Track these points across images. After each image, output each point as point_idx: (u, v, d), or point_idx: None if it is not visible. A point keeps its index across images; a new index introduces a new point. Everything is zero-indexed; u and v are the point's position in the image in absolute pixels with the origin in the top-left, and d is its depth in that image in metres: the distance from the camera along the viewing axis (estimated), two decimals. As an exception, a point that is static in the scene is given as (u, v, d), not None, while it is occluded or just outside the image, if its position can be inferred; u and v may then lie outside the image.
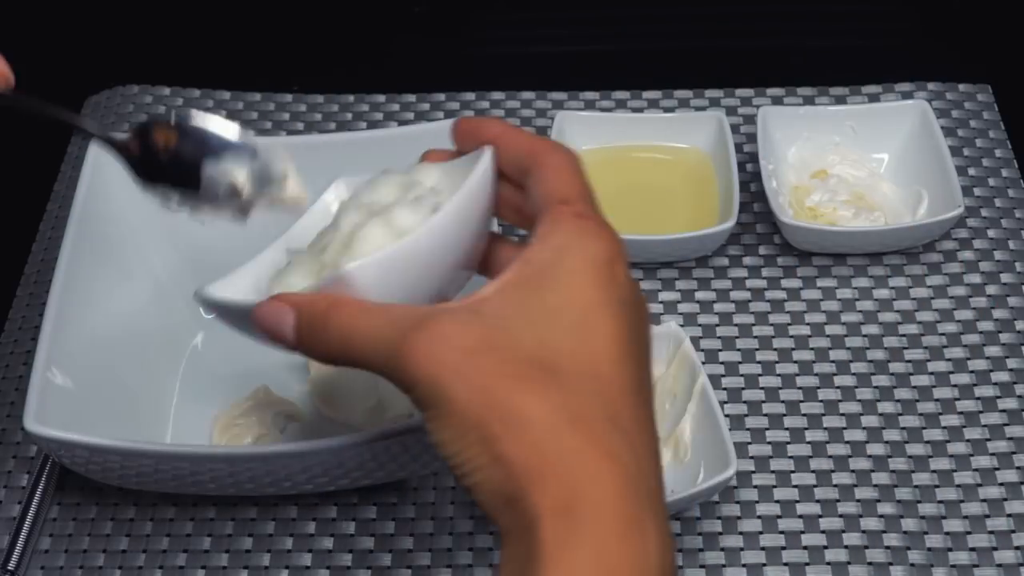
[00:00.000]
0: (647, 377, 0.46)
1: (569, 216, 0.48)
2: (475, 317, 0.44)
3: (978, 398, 0.73)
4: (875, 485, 0.69)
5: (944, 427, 0.72)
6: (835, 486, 0.70)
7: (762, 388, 0.74)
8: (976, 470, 0.70)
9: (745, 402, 0.73)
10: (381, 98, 0.92)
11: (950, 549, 0.67)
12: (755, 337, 0.76)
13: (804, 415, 0.73)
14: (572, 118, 0.85)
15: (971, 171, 0.85)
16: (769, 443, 0.71)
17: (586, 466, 0.42)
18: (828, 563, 0.66)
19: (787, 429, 0.72)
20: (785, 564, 0.67)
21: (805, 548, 0.67)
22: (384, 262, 0.50)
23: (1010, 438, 0.71)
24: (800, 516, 0.68)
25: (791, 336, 0.76)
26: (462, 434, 0.43)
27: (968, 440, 0.71)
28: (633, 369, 0.45)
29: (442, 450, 0.44)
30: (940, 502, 0.69)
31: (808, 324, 0.77)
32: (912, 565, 0.66)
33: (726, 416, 0.69)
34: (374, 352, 0.45)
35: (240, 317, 0.53)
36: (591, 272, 0.46)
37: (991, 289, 0.78)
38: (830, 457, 0.71)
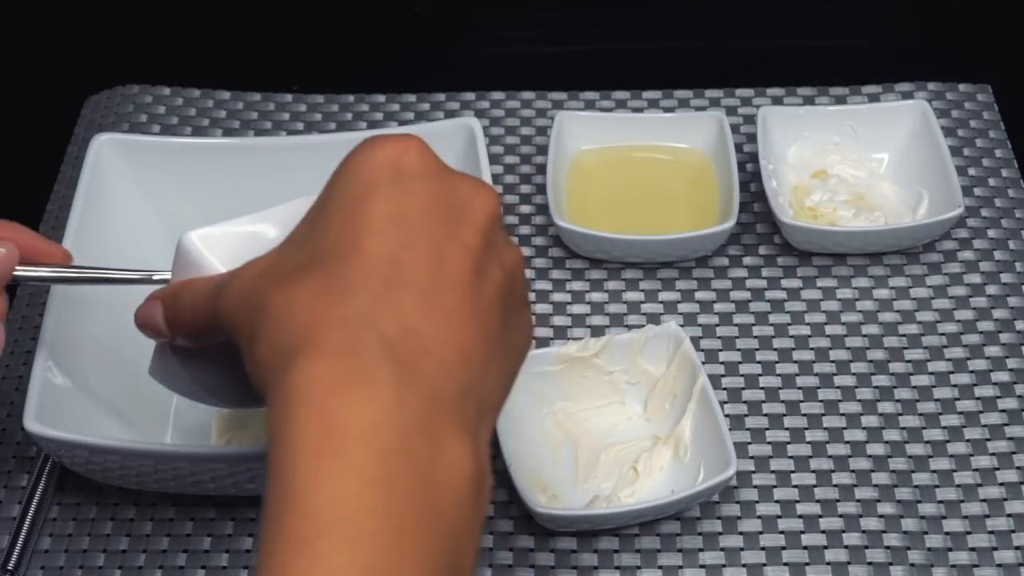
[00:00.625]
0: (430, 244, 0.44)
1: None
2: (271, 252, 0.46)
3: (978, 398, 0.73)
4: (875, 485, 0.69)
5: (944, 427, 0.72)
6: (835, 486, 0.70)
7: (762, 388, 0.74)
8: (976, 470, 0.70)
9: (745, 402, 0.73)
10: (381, 98, 0.92)
11: (950, 549, 0.67)
12: (755, 337, 0.76)
13: (804, 415, 0.73)
14: (572, 118, 0.85)
15: (971, 171, 0.85)
16: (769, 443, 0.71)
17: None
18: (828, 563, 0.66)
19: (787, 429, 0.72)
20: (785, 564, 0.67)
21: (805, 548, 0.67)
22: (221, 235, 0.54)
23: (1010, 438, 0.71)
24: (800, 516, 0.68)
25: (791, 336, 0.76)
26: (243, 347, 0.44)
27: (968, 440, 0.71)
28: (400, 237, 0.43)
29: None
30: (940, 502, 0.69)
31: (808, 324, 0.77)
32: (912, 565, 0.66)
33: (726, 416, 0.69)
34: (204, 314, 0.48)
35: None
36: (365, 170, 0.46)
37: (991, 289, 0.78)
38: (830, 457, 0.71)
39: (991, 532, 0.67)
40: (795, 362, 0.75)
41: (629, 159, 0.85)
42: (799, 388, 0.74)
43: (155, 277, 0.63)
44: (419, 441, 0.39)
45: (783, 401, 0.73)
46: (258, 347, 0.42)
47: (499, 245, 0.46)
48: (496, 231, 0.46)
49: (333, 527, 0.37)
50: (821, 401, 0.73)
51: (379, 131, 0.48)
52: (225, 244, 0.55)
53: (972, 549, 0.67)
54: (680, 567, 0.67)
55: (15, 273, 0.60)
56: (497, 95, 0.91)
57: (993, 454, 0.70)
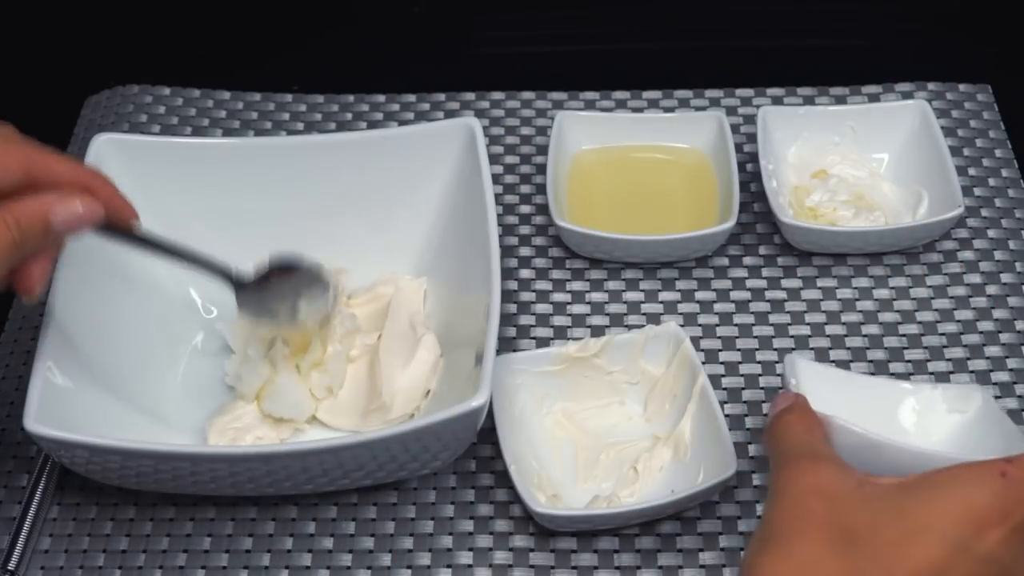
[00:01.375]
0: None
1: (982, 466, 0.50)
2: (848, 478, 0.51)
3: (978, 398, 0.73)
4: (875, 485, 0.69)
5: (944, 427, 0.72)
6: (835, 486, 0.69)
7: (762, 388, 0.74)
8: (976, 470, 0.70)
9: (745, 402, 0.73)
10: (381, 98, 0.92)
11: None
12: (755, 337, 0.76)
13: (804, 415, 0.73)
14: (572, 118, 0.85)
15: (971, 171, 0.85)
16: (769, 443, 0.71)
17: None
18: (828, 563, 0.66)
19: (787, 429, 0.72)
20: (785, 564, 0.66)
21: (805, 548, 0.67)
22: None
23: (1010, 438, 0.71)
24: (800, 516, 0.68)
25: (791, 336, 0.76)
26: None
27: (968, 440, 0.71)
28: None
29: None
30: (940, 502, 0.69)
31: (808, 324, 0.77)
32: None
33: (726, 416, 0.69)
34: (781, 455, 0.55)
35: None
36: (955, 509, 0.48)
37: (991, 289, 0.78)
38: (830, 457, 0.71)
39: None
40: (795, 362, 0.75)
41: (629, 159, 0.85)
42: (799, 388, 0.74)
43: (233, 274, 0.68)
44: None
45: (783, 401, 0.73)
46: (769, 561, 0.49)
47: None
48: None
49: None
50: (821, 401, 0.73)
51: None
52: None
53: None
54: (680, 567, 0.67)
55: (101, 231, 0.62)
56: (497, 95, 0.91)
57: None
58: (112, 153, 0.74)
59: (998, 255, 0.80)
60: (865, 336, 0.76)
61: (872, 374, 0.74)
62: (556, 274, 0.80)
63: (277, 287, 0.70)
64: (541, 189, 0.84)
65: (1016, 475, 0.49)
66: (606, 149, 0.85)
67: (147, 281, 0.74)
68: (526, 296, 0.79)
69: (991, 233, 0.81)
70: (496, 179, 0.85)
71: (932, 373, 0.74)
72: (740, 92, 0.91)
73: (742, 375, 0.75)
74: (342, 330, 0.73)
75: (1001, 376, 0.74)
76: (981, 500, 0.48)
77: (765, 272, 0.80)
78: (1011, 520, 0.47)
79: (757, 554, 0.49)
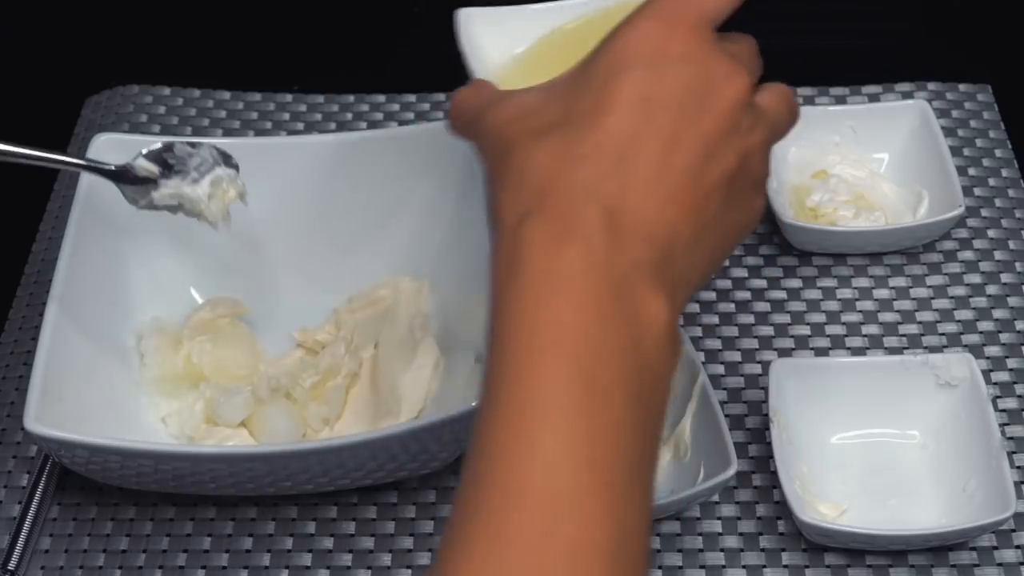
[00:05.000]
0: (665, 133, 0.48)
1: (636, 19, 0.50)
2: (533, 94, 0.50)
3: (978, 398, 0.73)
4: (875, 485, 0.69)
5: (944, 427, 0.72)
6: (835, 486, 0.70)
7: (762, 388, 0.74)
8: (976, 470, 0.70)
9: (745, 402, 0.73)
10: (381, 98, 0.91)
11: (950, 549, 0.67)
12: (755, 337, 0.76)
13: (804, 415, 0.73)
14: None
15: (971, 171, 0.85)
16: (769, 443, 0.71)
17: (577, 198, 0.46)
18: (828, 566, 0.66)
19: (787, 429, 0.72)
20: (785, 566, 0.66)
21: (804, 550, 0.67)
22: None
23: (1010, 438, 0.71)
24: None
25: (791, 336, 0.76)
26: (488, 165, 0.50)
27: (968, 440, 0.71)
28: (640, 120, 0.47)
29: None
30: (940, 502, 0.69)
31: (808, 324, 0.77)
32: (912, 566, 0.66)
33: (726, 416, 0.69)
34: (468, 127, 0.53)
35: None
36: (630, 44, 0.49)
37: (991, 289, 0.78)
38: (830, 457, 0.71)
39: (992, 532, 0.67)
40: (795, 362, 0.75)
41: None
42: (799, 388, 0.74)
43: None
44: (625, 289, 0.45)
45: (783, 401, 0.73)
46: (499, 194, 0.48)
47: (742, 128, 0.49)
48: (740, 114, 0.49)
49: (550, 348, 0.43)
50: (821, 401, 0.73)
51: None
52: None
53: (973, 549, 0.67)
54: (680, 567, 0.67)
55: None
56: (497, 95, 0.91)
57: (993, 454, 0.71)
58: (112, 153, 0.74)
59: (998, 255, 0.80)
60: (865, 336, 0.76)
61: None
62: (556, 274, 0.80)
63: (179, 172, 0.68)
64: (541, 189, 0.83)
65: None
66: None
67: (147, 280, 0.74)
68: (526, 296, 0.79)
69: (991, 233, 0.81)
70: (496, 179, 0.84)
71: (932, 373, 0.74)
72: (740, 92, 0.90)
73: (742, 375, 0.75)
74: (232, 194, 0.70)
75: (1001, 376, 0.74)
76: (647, 28, 0.49)
77: (765, 272, 0.80)
78: (681, 25, 0.49)
79: (486, 200, 0.49)
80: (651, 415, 0.45)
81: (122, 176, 0.67)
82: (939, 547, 0.66)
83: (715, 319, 0.77)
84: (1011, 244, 0.81)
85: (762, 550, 0.67)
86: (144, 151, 0.67)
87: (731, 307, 0.78)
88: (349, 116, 0.90)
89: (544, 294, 0.44)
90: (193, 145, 0.68)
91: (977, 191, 0.84)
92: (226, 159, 0.69)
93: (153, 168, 0.67)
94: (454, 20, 0.65)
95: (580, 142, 0.47)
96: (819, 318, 0.77)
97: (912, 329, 0.76)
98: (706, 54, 0.49)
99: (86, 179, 0.72)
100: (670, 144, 0.47)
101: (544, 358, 0.43)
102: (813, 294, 0.78)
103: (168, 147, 0.68)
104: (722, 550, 0.67)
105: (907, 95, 0.89)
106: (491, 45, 0.63)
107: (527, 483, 0.41)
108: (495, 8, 0.65)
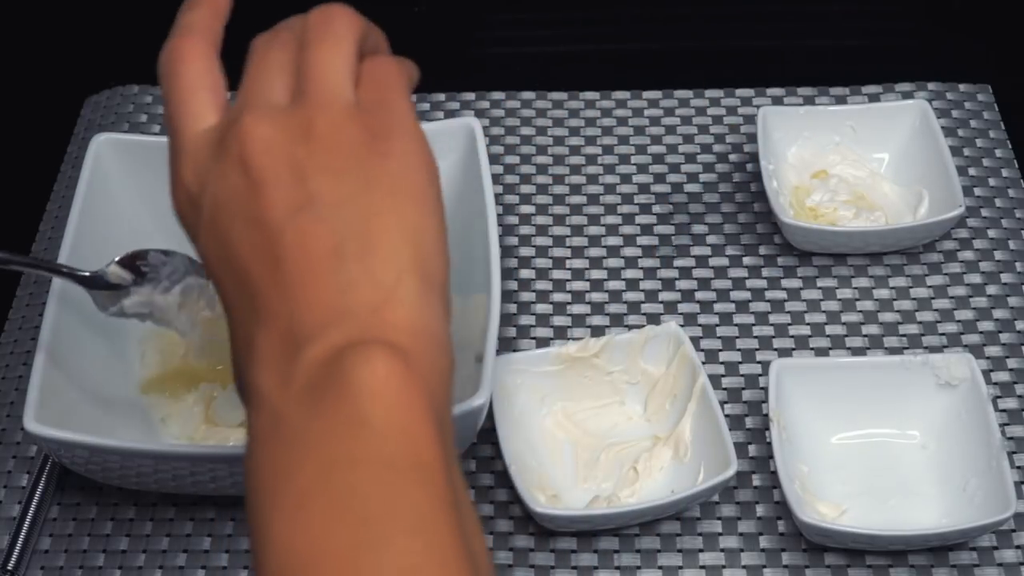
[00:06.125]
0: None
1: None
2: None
3: (978, 398, 0.73)
4: (875, 485, 0.69)
5: (944, 427, 0.72)
6: (835, 486, 0.70)
7: (762, 388, 0.74)
8: (976, 470, 0.70)
9: (745, 402, 0.73)
10: (381, 98, 0.91)
11: (950, 549, 0.67)
12: (755, 337, 0.76)
13: (804, 415, 0.73)
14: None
15: (971, 171, 0.85)
16: (769, 443, 0.71)
17: None
18: (828, 566, 0.66)
19: (787, 429, 0.72)
20: (785, 566, 0.67)
21: (804, 550, 0.67)
22: None
23: (1010, 438, 0.71)
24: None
25: (791, 336, 0.76)
26: None
27: (968, 440, 0.71)
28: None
29: None
30: (940, 502, 0.69)
31: (808, 324, 0.77)
32: (912, 566, 0.66)
33: (726, 416, 0.69)
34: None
35: None
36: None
37: (991, 289, 0.78)
38: (830, 457, 0.71)
39: (992, 532, 0.67)
40: (795, 362, 0.75)
41: None
42: (799, 388, 0.74)
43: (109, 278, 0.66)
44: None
45: (783, 401, 0.73)
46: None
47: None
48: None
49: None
50: (821, 401, 0.73)
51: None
52: None
53: (973, 549, 0.67)
54: (680, 567, 0.67)
55: None
56: (497, 95, 0.91)
57: (993, 454, 0.71)
58: (112, 153, 0.74)
59: (998, 255, 0.80)
60: (865, 336, 0.76)
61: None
62: (556, 274, 0.80)
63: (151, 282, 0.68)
64: (542, 189, 0.84)
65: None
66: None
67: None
68: (526, 296, 0.79)
69: (991, 233, 0.81)
70: (496, 179, 0.84)
71: (932, 373, 0.74)
72: (740, 92, 0.91)
73: (742, 375, 0.75)
74: (203, 301, 0.70)
75: (1001, 376, 0.74)
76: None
77: (765, 272, 0.80)
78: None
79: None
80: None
81: (94, 282, 0.66)
82: (939, 547, 0.66)
83: (715, 319, 0.77)
84: (1011, 244, 0.81)
85: (762, 550, 0.67)
86: (116, 258, 0.67)
87: (731, 307, 0.78)
88: (349, 116, 0.90)
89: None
90: (167, 253, 0.68)
91: (977, 191, 0.84)
92: (199, 269, 0.68)
93: (126, 275, 0.67)
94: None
95: None
96: (819, 318, 0.77)
97: (912, 329, 0.76)
98: None
99: (86, 179, 0.72)
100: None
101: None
102: (813, 294, 0.78)
103: (141, 254, 0.67)
104: (722, 550, 0.67)
105: (907, 95, 0.89)
106: None
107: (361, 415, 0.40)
108: None
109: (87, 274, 0.66)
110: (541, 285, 0.79)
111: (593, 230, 0.82)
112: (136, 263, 0.67)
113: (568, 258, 0.81)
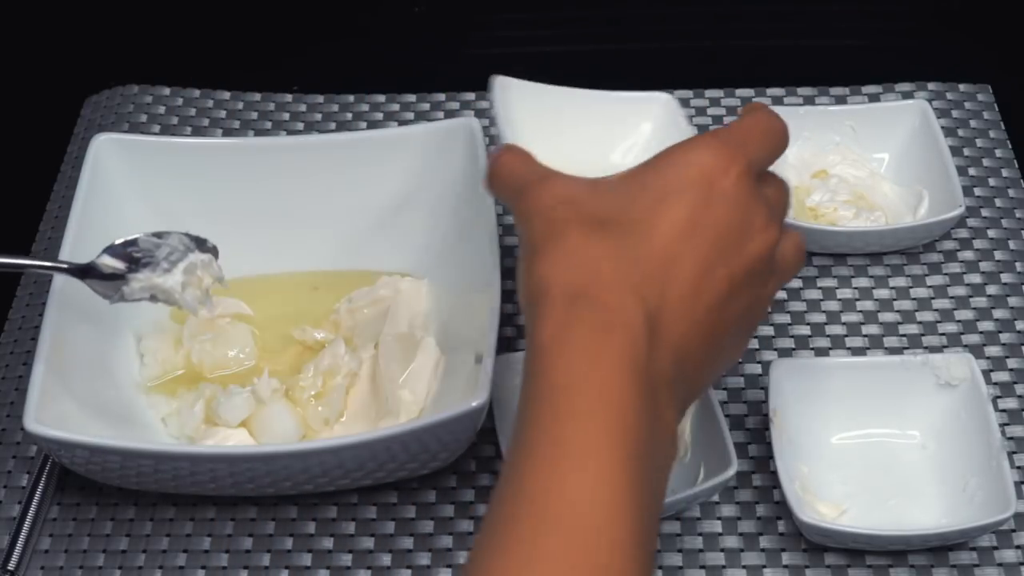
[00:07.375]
0: (703, 266, 0.52)
1: (699, 136, 0.56)
2: (581, 183, 0.54)
3: (978, 398, 0.73)
4: (875, 485, 0.69)
5: (944, 427, 0.72)
6: (835, 486, 0.70)
7: (762, 388, 0.74)
8: (976, 470, 0.70)
9: (745, 402, 0.73)
10: (381, 98, 0.91)
11: (950, 549, 0.67)
12: (755, 337, 0.76)
13: (804, 415, 0.73)
14: None
15: (971, 171, 0.85)
16: (769, 443, 0.71)
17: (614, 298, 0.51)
18: (828, 566, 0.66)
19: (787, 429, 0.72)
20: (785, 566, 0.66)
21: (804, 550, 0.67)
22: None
23: (1010, 438, 0.71)
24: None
25: (791, 336, 0.76)
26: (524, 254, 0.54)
27: (968, 440, 0.71)
28: (685, 241, 0.52)
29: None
30: (940, 502, 0.69)
31: (808, 324, 0.77)
32: (912, 566, 0.66)
33: (726, 416, 0.69)
34: (510, 195, 0.56)
35: None
36: (687, 172, 0.53)
37: (991, 289, 0.78)
38: (830, 457, 0.71)
39: (992, 532, 0.67)
40: (795, 362, 0.75)
41: None
42: (799, 388, 0.74)
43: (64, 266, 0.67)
44: (654, 388, 0.50)
45: (783, 401, 0.73)
46: (547, 269, 0.52)
47: (760, 277, 0.54)
48: (763, 265, 0.54)
49: (587, 412, 0.48)
50: (821, 401, 0.73)
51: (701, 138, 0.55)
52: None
53: (973, 549, 0.67)
54: (680, 567, 0.67)
55: None
56: (497, 95, 0.91)
57: (993, 454, 0.70)
58: (112, 153, 0.74)
59: (998, 255, 0.80)
60: (865, 336, 0.76)
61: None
62: (556, 274, 0.80)
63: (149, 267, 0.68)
64: (541, 189, 0.83)
65: (727, 134, 0.55)
66: None
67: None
68: (526, 296, 0.79)
69: (991, 233, 0.81)
70: (496, 179, 0.84)
71: (932, 373, 0.74)
72: (740, 92, 0.91)
73: (742, 375, 0.75)
74: (208, 280, 0.70)
75: (1001, 376, 0.74)
76: (706, 159, 0.53)
77: (765, 272, 0.80)
78: (736, 166, 0.53)
79: (527, 266, 0.53)
80: (659, 498, 0.50)
81: (88, 274, 0.67)
82: (939, 547, 0.66)
83: (715, 319, 0.77)
84: (1011, 244, 0.81)
85: (762, 550, 0.67)
86: (107, 247, 0.67)
87: (731, 307, 0.78)
88: (349, 116, 0.90)
89: (590, 369, 0.49)
90: (160, 235, 0.68)
91: (977, 191, 0.84)
92: (200, 244, 0.69)
93: (118, 264, 0.67)
94: (489, 85, 0.67)
95: (633, 247, 0.51)
96: (819, 318, 0.77)
97: (912, 329, 0.76)
98: (748, 199, 0.53)
99: (86, 179, 0.72)
100: (703, 272, 0.52)
101: (582, 419, 0.48)
102: (813, 294, 0.78)
103: (131, 242, 0.67)
104: (722, 550, 0.67)
105: (907, 95, 0.89)
106: (523, 116, 0.66)
107: (560, 513, 0.46)
108: (530, 83, 0.71)
109: (79, 266, 0.67)
110: (541, 285, 0.79)
111: (593, 230, 0.82)
112: (127, 250, 0.67)
113: (568, 258, 0.81)
